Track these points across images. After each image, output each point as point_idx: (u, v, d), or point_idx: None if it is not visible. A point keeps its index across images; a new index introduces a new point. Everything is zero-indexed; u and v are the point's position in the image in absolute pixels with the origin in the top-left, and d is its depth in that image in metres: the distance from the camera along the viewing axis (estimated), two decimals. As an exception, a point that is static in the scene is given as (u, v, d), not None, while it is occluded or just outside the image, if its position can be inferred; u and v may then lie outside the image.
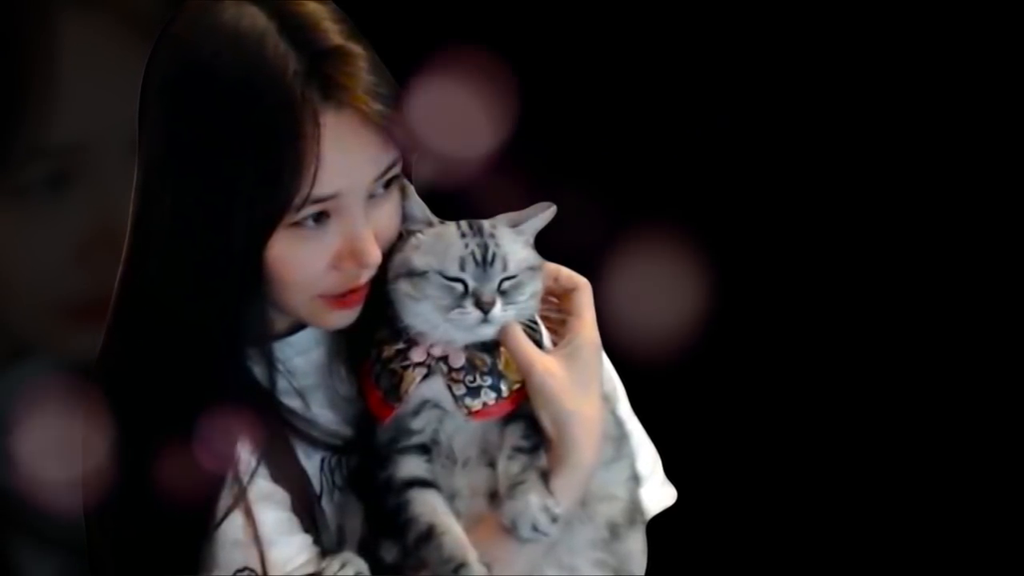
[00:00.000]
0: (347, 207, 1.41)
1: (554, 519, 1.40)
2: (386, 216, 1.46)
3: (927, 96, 2.43)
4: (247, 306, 1.44)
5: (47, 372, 2.22)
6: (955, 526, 2.46)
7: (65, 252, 2.17)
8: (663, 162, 2.43)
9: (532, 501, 1.40)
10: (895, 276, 2.47)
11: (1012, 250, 2.45)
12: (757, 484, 2.46)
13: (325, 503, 1.49)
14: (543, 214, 1.48)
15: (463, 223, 1.47)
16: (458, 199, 1.53)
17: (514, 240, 1.46)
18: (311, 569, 1.42)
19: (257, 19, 1.40)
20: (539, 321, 1.51)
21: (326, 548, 1.46)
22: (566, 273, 1.52)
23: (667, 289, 2.25)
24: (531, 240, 1.49)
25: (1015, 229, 2.44)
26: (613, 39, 2.40)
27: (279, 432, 1.48)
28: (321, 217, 1.41)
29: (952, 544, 2.45)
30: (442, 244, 1.45)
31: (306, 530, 1.46)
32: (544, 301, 1.50)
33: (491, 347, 1.46)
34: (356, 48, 1.41)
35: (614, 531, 1.49)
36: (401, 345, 1.46)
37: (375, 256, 1.44)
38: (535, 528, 1.40)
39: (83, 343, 2.11)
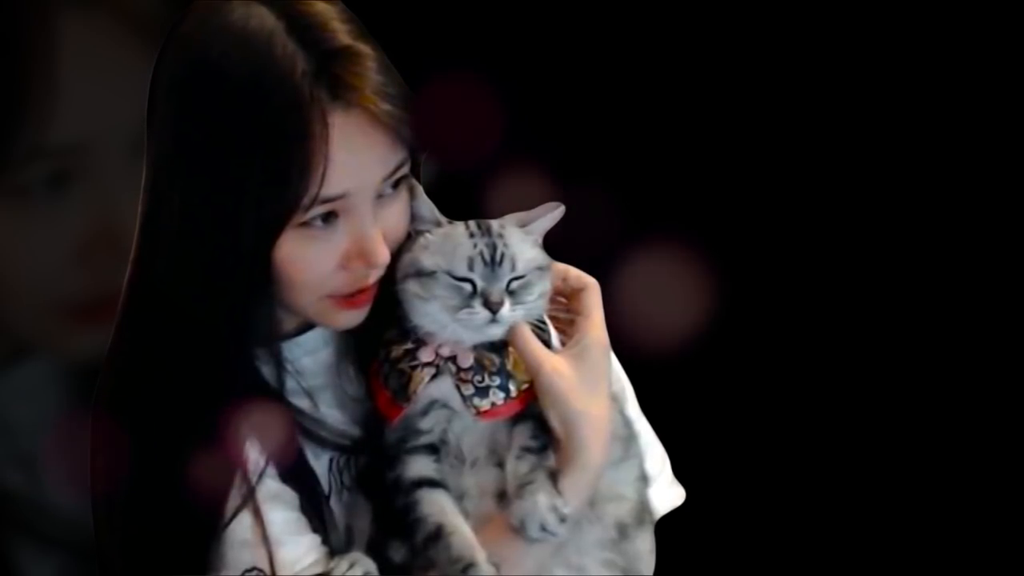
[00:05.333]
0: (355, 207, 1.41)
1: (562, 519, 1.40)
2: (394, 216, 1.46)
3: (927, 96, 2.43)
4: (256, 306, 1.44)
5: (48, 372, 2.23)
6: (959, 525, 2.46)
7: (65, 252, 2.17)
8: (669, 162, 2.43)
9: (540, 501, 1.40)
10: (899, 274, 2.47)
11: (1012, 250, 2.45)
12: (765, 484, 2.46)
13: (334, 503, 1.49)
14: (551, 214, 1.49)
15: (471, 223, 1.47)
16: (466, 199, 1.53)
17: (522, 240, 1.46)
18: (319, 569, 1.43)
19: (265, 19, 1.40)
20: (547, 321, 1.51)
21: (334, 548, 1.46)
22: (575, 273, 1.53)
23: (675, 288, 2.25)
24: (539, 240, 1.49)
25: (1015, 229, 2.45)
26: (620, 40, 2.40)
27: (288, 432, 1.48)
28: (330, 217, 1.41)
29: (955, 543, 2.46)
30: (450, 244, 1.45)
31: (314, 530, 1.46)
32: (553, 301, 1.50)
33: (499, 347, 1.46)
34: (365, 48, 1.41)
35: (622, 531, 1.49)
36: (410, 345, 1.46)
37: (384, 256, 1.44)
38: (543, 528, 1.40)
39: (84, 343, 2.13)
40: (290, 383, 1.49)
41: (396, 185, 1.45)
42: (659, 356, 2.08)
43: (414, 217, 1.48)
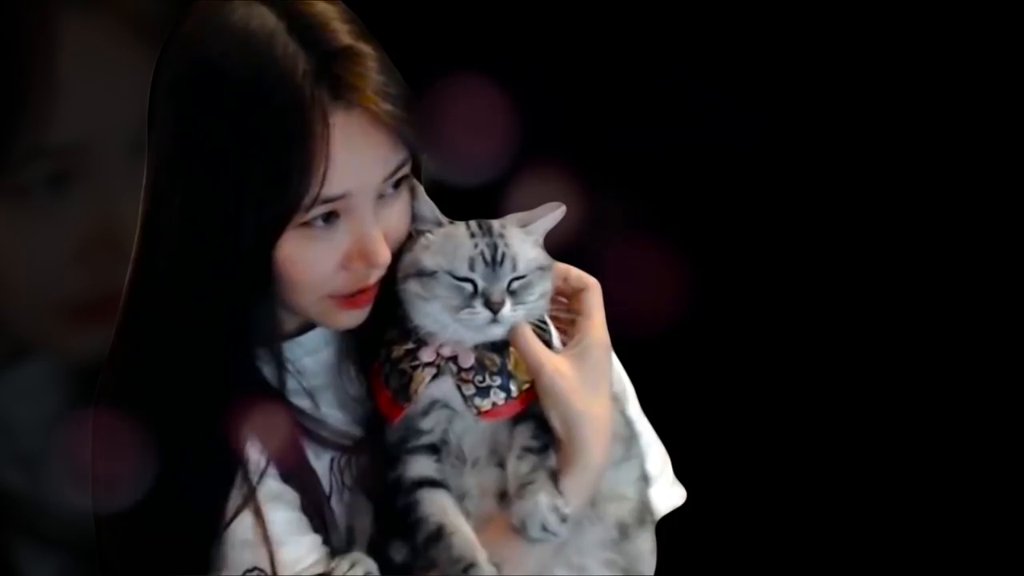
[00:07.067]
0: (357, 207, 1.41)
1: (563, 519, 1.40)
2: (396, 216, 1.46)
3: (924, 96, 2.44)
4: (257, 306, 1.44)
5: (48, 372, 2.22)
6: (959, 524, 2.47)
7: (65, 252, 2.17)
8: (671, 162, 2.43)
9: (542, 501, 1.40)
10: (903, 276, 2.48)
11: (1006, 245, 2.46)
12: (766, 484, 2.46)
13: (335, 503, 1.49)
14: (552, 214, 1.49)
15: (472, 223, 1.47)
16: (467, 199, 1.53)
17: (523, 240, 1.46)
18: (320, 569, 1.43)
19: (266, 19, 1.40)
20: (548, 321, 1.51)
21: (335, 548, 1.46)
22: (576, 273, 1.53)
23: (677, 289, 2.25)
24: (540, 240, 1.49)
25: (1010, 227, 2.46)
26: (617, 40, 2.40)
27: (289, 432, 1.48)
28: (331, 217, 1.41)
29: (955, 542, 2.47)
30: (452, 244, 1.45)
31: (315, 530, 1.46)
32: (554, 301, 1.50)
33: (500, 347, 1.46)
34: (366, 48, 1.41)
35: (623, 531, 1.49)
36: (411, 345, 1.46)
37: (385, 256, 1.44)
38: (544, 528, 1.40)
39: (84, 343, 2.12)
40: (291, 383, 1.50)
41: (397, 185, 1.45)
42: (660, 356, 2.08)
43: (415, 217, 1.48)
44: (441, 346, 1.45)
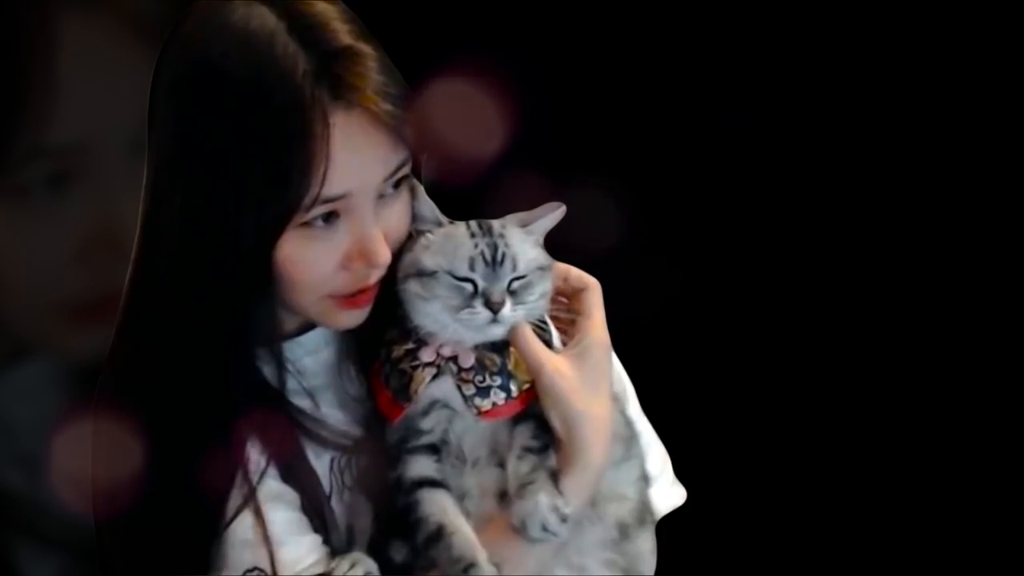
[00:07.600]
0: (357, 207, 1.41)
1: (563, 519, 1.40)
2: (396, 216, 1.46)
3: (919, 95, 2.44)
4: (257, 306, 1.44)
5: (48, 372, 2.22)
6: (959, 524, 2.47)
7: (65, 252, 2.17)
8: (671, 161, 2.43)
9: (542, 501, 1.40)
10: (903, 277, 2.48)
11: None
12: (766, 484, 2.46)
13: (335, 503, 1.49)
14: (552, 214, 1.49)
15: (473, 223, 1.47)
16: (467, 199, 1.53)
17: (524, 240, 1.46)
18: (321, 569, 1.43)
19: (267, 19, 1.40)
20: (549, 321, 1.51)
21: (335, 548, 1.46)
22: (576, 273, 1.53)
23: (677, 288, 2.26)
24: (541, 240, 1.49)
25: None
26: (617, 39, 2.40)
27: (289, 432, 1.48)
28: (331, 217, 1.41)
29: (956, 540, 2.47)
30: (452, 244, 1.45)
31: (316, 530, 1.46)
32: (554, 301, 1.50)
33: (501, 347, 1.46)
34: (366, 48, 1.41)
35: (624, 531, 1.49)
36: (411, 345, 1.46)
37: (385, 256, 1.44)
38: (545, 528, 1.40)
39: (84, 343, 2.12)
40: (291, 383, 1.50)
41: (397, 185, 1.45)
42: (660, 356, 2.08)
43: (415, 217, 1.48)
44: (441, 346, 1.45)
